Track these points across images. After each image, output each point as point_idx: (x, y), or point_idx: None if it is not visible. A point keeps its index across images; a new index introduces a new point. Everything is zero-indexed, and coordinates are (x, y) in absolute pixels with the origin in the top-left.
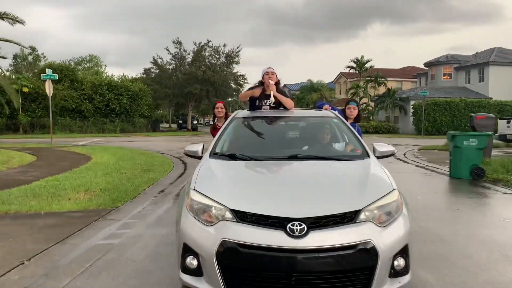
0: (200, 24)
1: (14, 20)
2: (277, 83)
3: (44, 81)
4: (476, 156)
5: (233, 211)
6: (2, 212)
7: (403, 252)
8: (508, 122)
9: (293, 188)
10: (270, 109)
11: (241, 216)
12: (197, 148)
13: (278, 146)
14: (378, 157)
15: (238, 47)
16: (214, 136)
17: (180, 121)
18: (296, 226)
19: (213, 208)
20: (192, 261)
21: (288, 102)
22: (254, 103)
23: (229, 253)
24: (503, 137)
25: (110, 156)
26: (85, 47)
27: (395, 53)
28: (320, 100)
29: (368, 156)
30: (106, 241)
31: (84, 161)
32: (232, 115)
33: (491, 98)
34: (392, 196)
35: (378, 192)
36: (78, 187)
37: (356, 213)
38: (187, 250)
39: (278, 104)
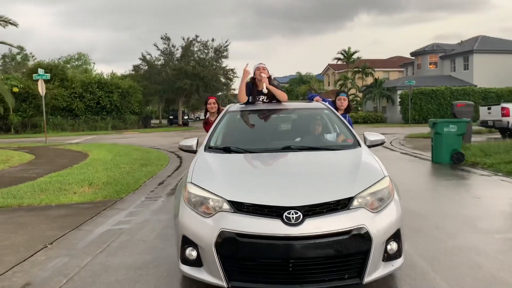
0: (187, 19)
1: (6, 22)
2: (268, 78)
3: (35, 80)
4: (456, 142)
5: (230, 202)
6: (16, 205)
7: (396, 236)
8: (489, 109)
9: (288, 178)
10: (263, 104)
11: (238, 207)
12: (192, 142)
13: (271, 138)
14: (369, 146)
15: (226, 42)
16: (207, 130)
17: (171, 117)
18: (292, 214)
19: (211, 200)
20: (191, 252)
21: (281, 94)
22: (249, 102)
23: (228, 243)
24: (484, 124)
25: (106, 152)
26: (70, 44)
27: (382, 43)
28: (310, 92)
29: (359, 145)
30: (117, 226)
31: (82, 158)
32: (225, 109)
33: (476, 86)
34: (384, 183)
35: (370, 179)
36: (82, 182)
37: (349, 200)
38: (186, 242)
39: (271, 98)
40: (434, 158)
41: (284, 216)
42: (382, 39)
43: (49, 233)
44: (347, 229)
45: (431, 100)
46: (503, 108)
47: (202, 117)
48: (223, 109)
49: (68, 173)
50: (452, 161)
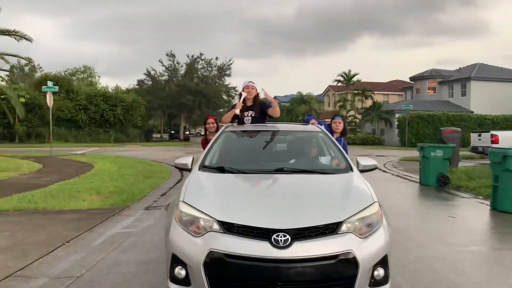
0: (191, 35)
1: (21, 37)
2: (256, 96)
3: (43, 92)
4: (442, 166)
5: (220, 223)
6: (32, 208)
7: (383, 262)
8: (479, 135)
9: (278, 200)
10: (252, 119)
11: (228, 227)
12: (187, 161)
13: (265, 159)
14: (361, 171)
15: (230, 60)
16: (204, 148)
17: (173, 132)
18: (281, 237)
19: (201, 219)
20: (180, 271)
21: (275, 109)
22: (238, 117)
23: (216, 263)
24: (475, 149)
25: (111, 164)
26: (75, 56)
27: (384, 66)
28: (309, 112)
29: (352, 169)
30: (125, 230)
31: (88, 169)
32: (222, 128)
33: (473, 112)
34: (373, 209)
35: (359, 205)
36: (90, 190)
37: (338, 224)
38: (176, 260)
39: (260, 114)
40: (421, 180)
41: (272, 239)
42: (383, 61)
43: (65, 233)
44: (335, 253)
45: (428, 125)
46: (492, 136)
47: (203, 132)
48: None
49: (76, 182)
50: (438, 183)
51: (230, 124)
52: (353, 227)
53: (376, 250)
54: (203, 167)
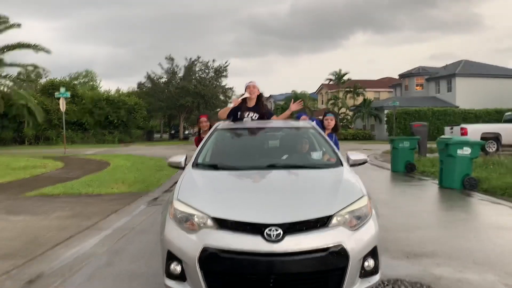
0: (186, 35)
1: (40, 49)
2: (259, 96)
3: (50, 97)
4: (409, 155)
5: (213, 219)
6: (77, 193)
7: (373, 253)
8: (451, 129)
9: (270, 196)
10: (251, 120)
11: (222, 223)
12: (180, 159)
13: (257, 156)
14: (352, 165)
15: (226, 62)
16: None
17: (172, 131)
18: (273, 231)
19: (195, 216)
20: (176, 267)
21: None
22: (235, 115)
23: (211, 259)
24: None
25: (124, 161)
26: (70, 59)
27: (377, 62)
28: (300, 111)
29: (342, 164)
30: (153, 204)
31: (105, 165)
32: (214, 126)
33: (458, 107)
34: (362, 202)
35: (349, 198)
36: (116, 181)
37: (329, 218)
38: (171, 257)
39: (260, 116)
40: (392, 168)
41: (265, 233)
42: (377, 57)
43: (111, 207)
44: (325, 246)
45: (415, 120)
46: (462, 128)
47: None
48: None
49: (101, 175)
50: (406, 170)
51: (222, 121)
52: (343, 220)
53: (366, 241)
54: (196, 165)
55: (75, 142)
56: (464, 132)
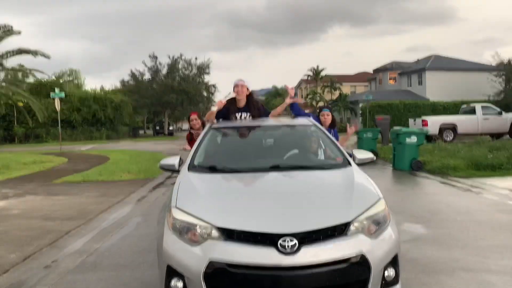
0: (164, 30)
1: (40, 55)
2: (249, 95)
3: (39, 96)
4: (372, 144)
5: (219, 229)
6: (94, 180)
7: (393, 262)
8: (415, 121)
9: (280, 202)
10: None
11: (229, 234)
12: (174, 161)
13: (258, 156)
14: (358, 164)
15: (208, 60)
16: (189, 143)
17: (157, 127)
18: (287, 242)
19: (198, 226)
20: (177, 283)
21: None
22: (224, 118)
23: (218, 274)
24: None
25: (122, 155)
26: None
27: (355, 54)
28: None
29: (349, 163)
30: (161, 186)
31: (105, 159)
32: (208, 125)
33: (428, 100)
34: (380, 206)
35: (365, 202)
36: (122, 171)
37: (346, 225)
38: (172, 273)
39: (252, 118)
40: None
41: (278, 244)
42: (354, 50)
43: (128, 189)
44: (346, 257)
45: (387, 112)
46: (423, 121)
47: (184, 127)
48: (207, 123)
49: (107, 167)
50: None
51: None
52: (361, 227)
53: (387, 250)
54: (192, 167)
55: (64, 139)
56: (425, 124)
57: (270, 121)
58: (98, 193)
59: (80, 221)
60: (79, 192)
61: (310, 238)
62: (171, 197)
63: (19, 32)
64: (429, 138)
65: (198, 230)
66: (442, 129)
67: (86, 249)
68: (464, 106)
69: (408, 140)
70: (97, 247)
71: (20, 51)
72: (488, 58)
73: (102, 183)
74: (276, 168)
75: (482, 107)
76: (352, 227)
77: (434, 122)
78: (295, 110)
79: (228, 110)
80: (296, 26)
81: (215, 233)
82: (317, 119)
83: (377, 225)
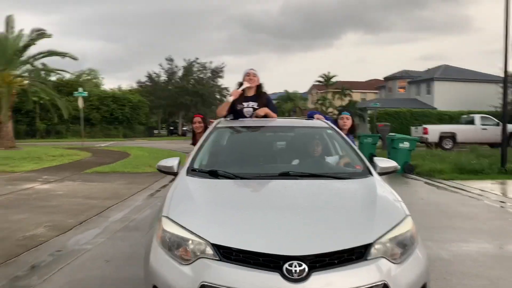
0: (177, 32)
1: (66, 56)
2: (258, 87)
3: (61, 94)
4: (371, 148)
5: (215, 246)
6: (120, 171)
7: None
8: (416, 128)
9: (289, 217)
10: (253, 111)
11: (225, 253)
12: (173, 163)
13: (266, 161)
14: (380, 174)
15: (222, 64)
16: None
17: (171, 128)
18: (295, 266)
19: (190, 241)
20: None
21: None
22: (234, 109)
23: None
24: None
25: (141, 151)
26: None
27: (367, 61)
28: (294, 110)
29: (371, 173)
30: None
31: (127, 155)
32: (213, 124)
33: (436, 109)
34: (406, 225)
35: (389, 221)
36: (143, 164)
37: (367, 247)
38: None
39: (261, 105)
40: None
41: (284, 269)
42: (367, 57)
43: (152, 179)
44: (365, 286)
45: (394, 120)
46: (424, 128)
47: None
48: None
49: (129, 161)
50: (368, 160)
51: (223, 119)
52: (384, 250)
53: (414, 278)
54: (191, 171)
55: (83, 136)
56: (425, 131)
57: (282, 121)
58: (126, 181)
59: (117, 200)
60: (110, 180)
61: (322, 262)
62: (163, 204)
63: (50, 35)
64: (426, 144)
65: (191, 246)
66: (442, 137)
67: (127, 218)
68: (464, 116)
69: (401, 145)
70: (135, 217)
71: (51, 53)
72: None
73: (128, 174)
74: (286, 175)
75: (481, 117)
76: (373, 250)
77: (434, 131)
78: (311, 114)
79: (235, 99)
80: (310, 32)
81: (209, 250)
82: (335, 123)
83: (403, 248)
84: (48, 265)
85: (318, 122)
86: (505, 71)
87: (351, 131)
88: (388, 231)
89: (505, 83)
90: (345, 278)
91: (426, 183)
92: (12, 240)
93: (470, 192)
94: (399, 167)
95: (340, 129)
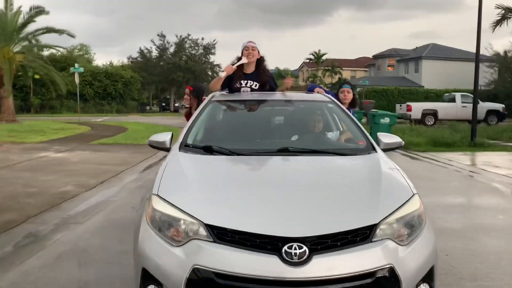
0: (167, 5)
1: (63, 33)
2: (260, 59)
3: (55, 69)
4: None
5: (208, 227)
6: (123, 143)
7: (429, 277)
8: (401, 106)
9: (289, 195)
10: (251, 91)
11: (220, 234)
12: (165, 138)
13: (264, 136)
14: (384, 150)
15: (214, 41)
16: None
17: (163, 104)
18: (295, 248)
19: (182, 221)
20: None
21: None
22: (230, 87)
23: (203, 285)
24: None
25: (137, 126)
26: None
27: (359, 38)
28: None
29: (375, 149)
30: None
31: (124, 129)
32: (209, 97)
33: (423, 86)
34: (414, 204)
35: (396, 200)
36: (142, 137)
37: (371, 228)
38: (147, 278)
39: (261, 83)
40: None
41: (283, 252)
42: (359, 35)
43: (154, 150)
44: (370, 270)
45: (382, 98)
46: (407, 105)
47: (187, 105)
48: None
49: (128, 134)
50: None
51: (218, 92)
52: (390, 231)
53: (422, 261)
54: (184, 147)
55: (76, 111)
56: (409, 109)
57: (281, 95)
58: (131, 151)
59: (127, 166)
60: (116, 150)
61: (324, 244)
62: (154, 181)
63: (47, 12)
64: (409, 120)
65: (182, 227)
66: (425, 114)
67: (140, 178)
68: (447, 94)
69: (382, 120)
70: (148, 177)
71: (49, 30)
72: (496, 47)
73: (130, 145)
74: (285, 151)
75: (462, 95)
76: (378, 231)
77: (417, 108)
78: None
79: (232, 76)
80: (301, 7)
81: (202, 231)
82: (336, 96)
83: (410, 228)
84: (86, 210)
85: (319, 95)
86: (477, 53)
87: (352, 105)
88: (395, 211)
89: (477, 63)
90: (348, 262)
91: (402, 154)
92: (49, 194)
93: (438, 162)
94: (403, 142)
95: (341, 103)
